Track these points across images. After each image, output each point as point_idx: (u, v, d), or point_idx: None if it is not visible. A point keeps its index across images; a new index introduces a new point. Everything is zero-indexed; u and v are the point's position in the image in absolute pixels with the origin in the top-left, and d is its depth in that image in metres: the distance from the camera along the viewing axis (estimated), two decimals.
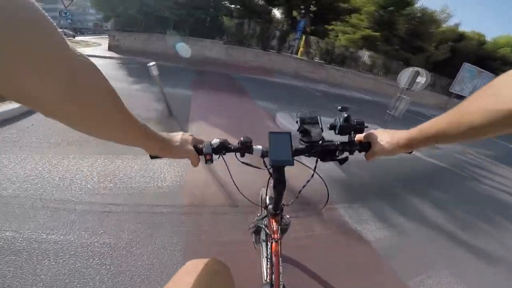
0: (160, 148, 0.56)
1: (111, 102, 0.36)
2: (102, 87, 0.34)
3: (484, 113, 0.38)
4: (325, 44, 15.24)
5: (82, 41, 23.25)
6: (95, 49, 13.68)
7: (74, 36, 27.13)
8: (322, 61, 15.03)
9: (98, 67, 0.33)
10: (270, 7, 15.56)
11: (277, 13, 16.97)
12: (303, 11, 15.05)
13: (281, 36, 14.87)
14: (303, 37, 14.80)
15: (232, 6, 14.51)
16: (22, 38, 0.23)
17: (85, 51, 12.25)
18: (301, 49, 14.36)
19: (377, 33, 14.16)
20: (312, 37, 15.36)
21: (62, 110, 0.30)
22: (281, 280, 0.76)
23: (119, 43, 12.04)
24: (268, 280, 0.81)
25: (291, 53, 15.04)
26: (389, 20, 14.46)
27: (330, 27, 15.45)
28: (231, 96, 6.38)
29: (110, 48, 12.08)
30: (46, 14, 0.25)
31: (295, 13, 16.04)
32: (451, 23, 19.00)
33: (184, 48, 11.57)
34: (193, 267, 0.62)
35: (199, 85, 7.05)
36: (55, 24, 0.26)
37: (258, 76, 10.96)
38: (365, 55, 14.88)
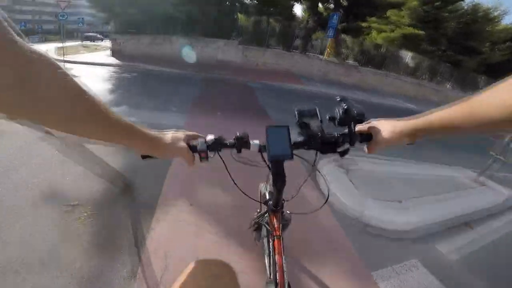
0: (149, 147, 0.54)
1: (75, 98, 0.35)
2: (59, 82, 0.33)
3: (502, 108, 0.38)
4: (352, 43, 13.08)
5: (94, 45, 22.74)
6: (99, 54, 12.45)
7: (102, 40, 29.97)
8: (355, 63, 12.89)
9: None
10: (292, 2, 13.48)
11: (298, 9, 14.89)
12: (332, 5, 12.95)
13: (307, 34, 12.84)
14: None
15: (248, 1, 12.72)
16: None
17: (87, 57, 11.00)
18: (328, 49, 12.22)
19: (421, 32, 11.88)
20: (343, 36, 13.21)
21: (20, 107, 0.30)
22: (285, 278, 0.73)
23: (121, 47, 10.60)
24: (272, 278, 0.78)
25: (320, 54, 12.99)
26: (435, 17, 12.21)
27: (365, 25, 13.25)
28: (243, 124, 4.40)
29: (113, 54, 10.68)
30: None
31: (321, 8, 13.96)
32: (506, 21, 16.30)
33: (190, 54, 9.97)
34: (198, 268, 0.59)
35: (200, 105, 5.22)
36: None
37: (282, 83, 9.03)
38: (408, 56, 12.57)
